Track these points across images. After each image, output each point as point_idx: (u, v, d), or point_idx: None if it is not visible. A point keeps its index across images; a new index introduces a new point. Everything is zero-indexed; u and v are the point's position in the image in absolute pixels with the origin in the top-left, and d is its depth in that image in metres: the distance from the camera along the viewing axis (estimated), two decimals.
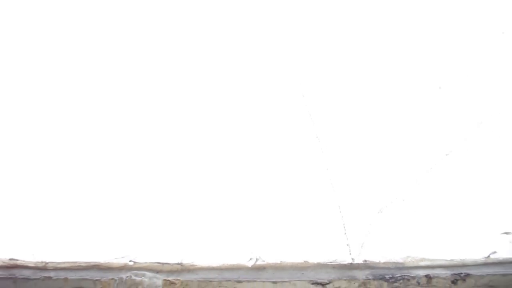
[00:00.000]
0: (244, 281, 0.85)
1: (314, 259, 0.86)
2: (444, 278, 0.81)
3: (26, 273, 0.94)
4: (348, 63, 0.98)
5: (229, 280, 0.85)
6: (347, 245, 0.86)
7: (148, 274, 0.88)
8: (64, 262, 0.93)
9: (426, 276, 0.83)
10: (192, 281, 0.85)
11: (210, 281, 0.85)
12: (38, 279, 0.91)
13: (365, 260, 0.85)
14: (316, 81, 0.98)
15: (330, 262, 0.86)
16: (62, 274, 0.92)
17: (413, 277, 0.83)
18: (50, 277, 0.91)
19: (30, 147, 1.04)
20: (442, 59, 0.95)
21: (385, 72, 0.96)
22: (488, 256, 0.85)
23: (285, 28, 1.02)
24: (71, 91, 1.06)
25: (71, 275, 0.91)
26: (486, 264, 0.85)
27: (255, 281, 0.84)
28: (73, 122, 1.03)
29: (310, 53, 0.99)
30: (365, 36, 0.99)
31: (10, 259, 0.96)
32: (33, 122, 1.05)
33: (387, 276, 0.82)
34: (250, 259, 0.87)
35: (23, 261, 0.96)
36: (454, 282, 0.81)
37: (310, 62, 0.99)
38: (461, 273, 0.82)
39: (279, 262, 0.87)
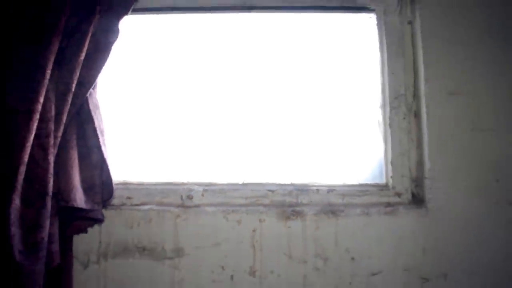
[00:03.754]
0: (238, 189, 1.79)
1: (270, 180, 1.83)
2: (323, 190, 1.77)
3: (133, 186, 1.84)
4: None
5: (232, 189, 1.79)
6: (285, 177, 1.84)
7: (195, 186, 1.79)
8: (152, 182, 1.84)
9: (317, 189, 1.77)
10: (215, 189, 1.78)
11: (223, 189, 1.78)
12: (141, 188, 1.79)
13: (291, 182, 1.81)
14: None
15: (276, 182, 1.82)
16: (153, 186, 1.80)
17: (311, 190, 1.77)
18: (147, 188, 1.80)
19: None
20: None
21: None
22: (344, 183, 1.83)
23: None
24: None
25: (157, 187, 1.80)
26: (343, 186, 1.81)
27: (244, 189, 1.79)
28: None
29: None
30: None
31: (123, 181, 1.84)
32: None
33: (300, 189, 1.78)
34: (241, 180, 1.83)
35: (130, 181, 1.84)
36: (327, 192, 1.77)
37: None
38: (331, 189, 1.78)
39: (254, 182, 1.82)
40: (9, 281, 1.47)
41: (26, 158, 1.52)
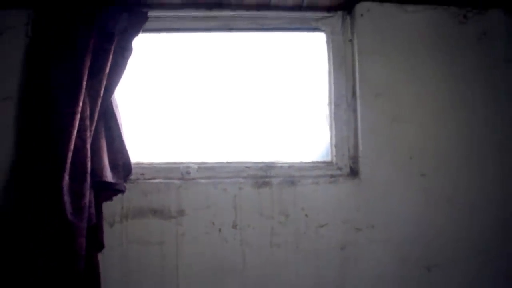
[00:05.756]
0: (224, 166, 2.22)
1: (247, 160, 2.27)
2: (285, 166, 2.27)
3: (145, 165, 2.40)
4: None
5: (219, 166, 2.23)
6: (258, 156, 2.37)
7: (192, 164, 2.21)
8: (159, 162, 2.26)
9: (281, 165, 2.21)
10: (207, 167, 2.19)
11: (213, 166, 2.20)
12: (151, 167, 2.19)
13: (262, 160, 2.26)
14: None
15: (251, 161, 2.25)
16: (160, 165, 2.20)
17: (277, 166, 2.23)
18: (156, 166, 2.20)
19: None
20: None
21: None
22: (301, 161, 2.29)
23: None
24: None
25: (163, 165, 2.21)
26: (300, 163, 2.27)
27: (228, 166, 2.22)
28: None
29: None
30: None
31: (138, 161, 2.22)
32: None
33: (268, 165, 2.24)
34: (226, 160, 2.27)
35: (143, 161, 2.25)
36: (288, 167, 2.27)
37: None
38: (291, 165, 2.24)
39: (235, 161, 2.26)
40: (63, 234, 2.04)
41: (72, 146, 2.06)
